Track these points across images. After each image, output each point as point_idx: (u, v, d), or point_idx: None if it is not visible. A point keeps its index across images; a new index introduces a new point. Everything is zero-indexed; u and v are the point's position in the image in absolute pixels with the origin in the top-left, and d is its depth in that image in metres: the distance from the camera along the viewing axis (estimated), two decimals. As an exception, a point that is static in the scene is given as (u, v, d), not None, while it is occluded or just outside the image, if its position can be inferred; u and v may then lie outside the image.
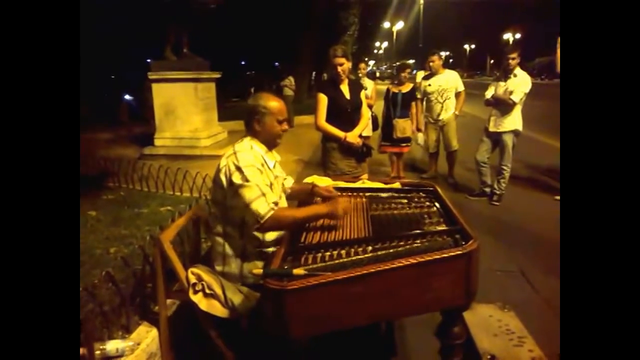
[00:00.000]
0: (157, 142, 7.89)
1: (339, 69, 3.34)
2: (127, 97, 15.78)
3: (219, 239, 2.10)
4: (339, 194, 2.27)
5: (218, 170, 2.01)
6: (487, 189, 5.12)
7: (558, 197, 5.04)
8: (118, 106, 13.27)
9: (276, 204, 1.93)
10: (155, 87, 7.86)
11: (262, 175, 1.97)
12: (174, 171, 4.62)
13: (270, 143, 2.13)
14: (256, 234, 2.03)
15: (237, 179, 1.89)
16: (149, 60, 8.14)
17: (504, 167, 4.87)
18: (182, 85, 7.74)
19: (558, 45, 4.77)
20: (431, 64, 5.67)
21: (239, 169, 1.90)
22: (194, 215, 2.43)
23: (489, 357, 2.09)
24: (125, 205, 4.11)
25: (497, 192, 4.97)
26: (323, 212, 1.96)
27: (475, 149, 5.15)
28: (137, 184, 4.97)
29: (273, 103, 2.08)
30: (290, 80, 12.54)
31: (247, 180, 1.88)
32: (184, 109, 7.81)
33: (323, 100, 3.40)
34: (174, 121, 7.87)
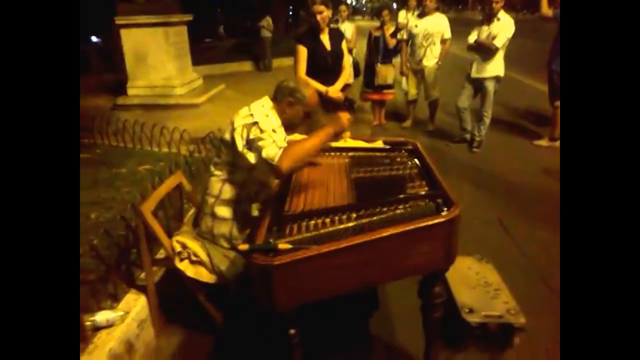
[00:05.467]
0: (130, 91, 7.55)
1: (318, 17, 3.18)
2: (94, 38, 14.84)
3: (212, 199, 2.10)
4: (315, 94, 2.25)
5: (232, 130, 1.97)
6: (468, 135, 5.15)
7: (537, 142, 5.14)
8: (85, 49, 12.49)
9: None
10: (123, 32, 7.39)
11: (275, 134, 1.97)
12: (149, 125, 4.47)
13: (287, 127, 2.10)
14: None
15: (254, 133, 1.90)
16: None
17: (485, 114, 4.87)
18: (152, 30, 7.28)
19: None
20: (428, 2, 5.27)
21: (255, 123, 1.92)
22: (175, 181, 2.38)
23: (467, 310, 2.17)
24: (102, 165, 4.00)
25: (477, 139, 5.01)
26: (330, 132, 1.96)
27: (457, 94, 5.11)
28: (112, 139, 4.82)
29: (311, 95, 2.15)
30: (267, 21, 11.95)
31: (262, 132, 1.89)
32: (155, 56, 7.42)
33: (302, 52, 3.26)
34: (146, 69, 7.49)
